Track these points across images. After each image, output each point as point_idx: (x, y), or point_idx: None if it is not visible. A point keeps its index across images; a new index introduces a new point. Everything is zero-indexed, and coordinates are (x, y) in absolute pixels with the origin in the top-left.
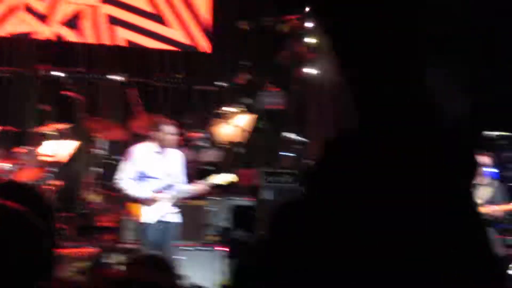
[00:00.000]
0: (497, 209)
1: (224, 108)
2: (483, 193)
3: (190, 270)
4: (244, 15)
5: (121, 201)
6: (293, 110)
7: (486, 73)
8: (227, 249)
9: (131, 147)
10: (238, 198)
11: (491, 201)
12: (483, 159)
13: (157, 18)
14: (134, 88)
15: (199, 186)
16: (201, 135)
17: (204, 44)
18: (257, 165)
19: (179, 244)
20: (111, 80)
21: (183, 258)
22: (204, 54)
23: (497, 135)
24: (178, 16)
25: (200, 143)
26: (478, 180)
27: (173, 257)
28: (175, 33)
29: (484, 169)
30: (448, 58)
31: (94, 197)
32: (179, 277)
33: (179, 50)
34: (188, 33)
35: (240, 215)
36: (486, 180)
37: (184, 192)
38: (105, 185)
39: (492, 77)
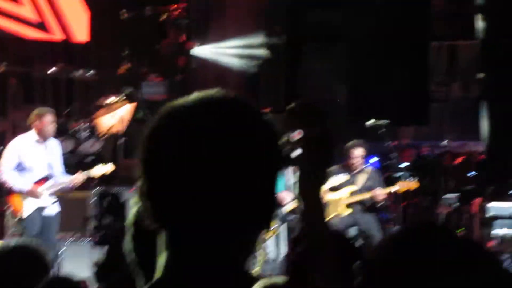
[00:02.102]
0: (377, 193)
1: (105, 98)
2: (359, 180)
3: (70, 261)
4: (124, 3)
5: (3, 193)
6: (175, 99)
7: (365, 63)
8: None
9: (12, 138)
10: (104, 187)
11: (367, 188)
12: (358, 150)
13: (30, 7)
14: (13, 78)
15: (77, 177)
16: (82, 125)
17: (84, 34)
18: (137, 156)
19: (61, 236)
20: None
21: (63, 249)
22: (84, 44)
23: (376, 125)
24: (52, 4)
25: (81, 133)
26: (353, 168)
27: (54, 248)
28: (51, 22)
29: (359, 159)
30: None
31: None
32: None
33: (58, 39)
34: (64, 22)
35: (108, 203)
36: (361, 168)
37: (63, 183)
38: None
39: (371, 67)
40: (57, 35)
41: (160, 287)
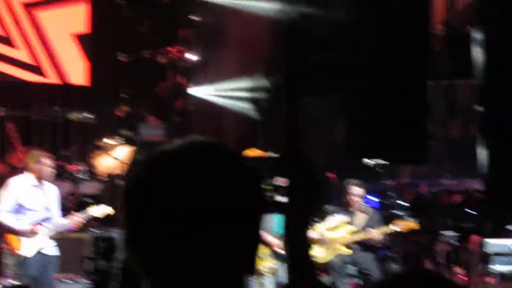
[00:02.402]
0: (374, 233)
1: (103, 140)
2: (359, 220)
3: None
4: (123, 47)
5: (0, 234)
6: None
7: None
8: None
9: (9, 179)
10: (103, 230)
11: (367, 228)
12: (357, 189)
13: (26, 51)
14: (11, 122)
15: (75, 219)
16: (80, 167)
17: (81, 77)
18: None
19: (58, 277)
20: None
21: None
22: (82, 87)
23: (374, 164)
24: (48, 49)
25: (80, 175)
26: (353, 208)
27: None
28: (47, 66)
29: (357, 198)
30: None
31: None
32: None
33: (56, 83)
34: (60, 66)
35: (104, 246)
36: (362, 207)
37: (61, 225)
38: None
39: (369, 105)
40: (53, 79)
41: None
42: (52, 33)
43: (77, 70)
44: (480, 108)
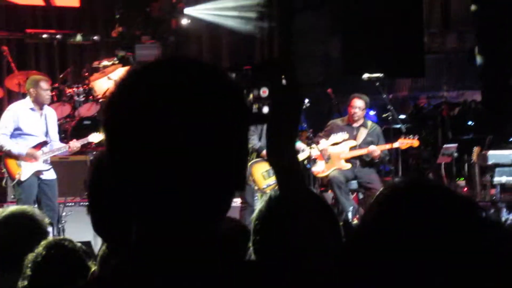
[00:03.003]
0: (372, 150)
1: (99, 62)
2: (360, 135)
3: (73, 225)
4: None
5: (0, 159)
6: None
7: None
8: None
9: (7, 104)
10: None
11: (367, 143)
12: (359, 102)
13: None
14: (5, 46)
15: (74, 144)
16: (78, 89)
17: None
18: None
19: (61, 200)
20: None
21: (65, 213)
22: (76, 8)
23: (371, 78)
24: None
25: (78, 98)
26: (353, 123)
27: (56, 212)
28: None
29: (359, 111)
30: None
31: None
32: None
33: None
34: None
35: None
36: (362, 121)
37: (59, 149)
38: None
39: (364, 20)
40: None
41: (128, 264)
42: None
43: None
44: (473, 7)
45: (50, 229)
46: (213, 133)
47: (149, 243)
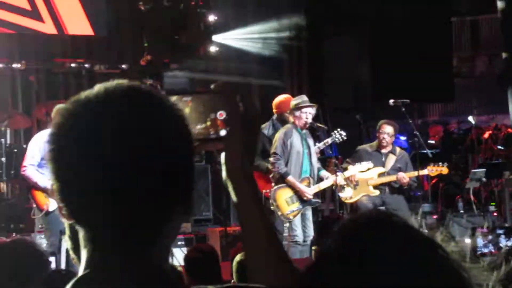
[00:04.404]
0: (400, 177)
1: None
2: (388, 161)
3: None
4: None
5: (28, 190)
6: (197, 87)
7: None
8: None
9: (35, 134)
10: None
11: (396, 170)
12: (388, 128)
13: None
14: (33, 76)
15: None
16: None
17: (101, 28)
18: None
19: None
20: (10, 68)
21: None
22: (104, 37)
23: (400, 103)
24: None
25: None
26: (382, 149)
27: None
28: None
29: (387, 137)
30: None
31: None
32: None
33: (78, 35)
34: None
35: None
36: (390, 148)
37: None
38: (8, 175)
39: (393, 45)
40: (71, 31)
41: (84, 282)
42: None
43: (97, 21)
44: (503, 55)
45: (52, 258)
46: (157, 158)
47: (91, 267)
